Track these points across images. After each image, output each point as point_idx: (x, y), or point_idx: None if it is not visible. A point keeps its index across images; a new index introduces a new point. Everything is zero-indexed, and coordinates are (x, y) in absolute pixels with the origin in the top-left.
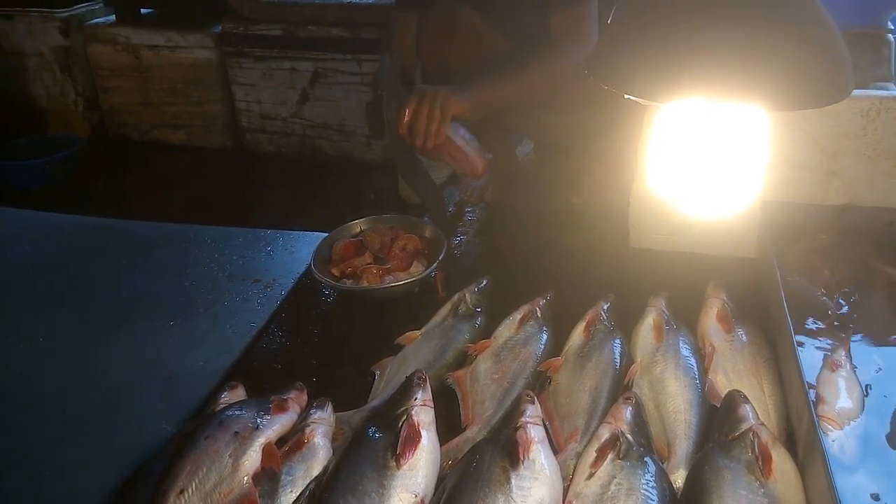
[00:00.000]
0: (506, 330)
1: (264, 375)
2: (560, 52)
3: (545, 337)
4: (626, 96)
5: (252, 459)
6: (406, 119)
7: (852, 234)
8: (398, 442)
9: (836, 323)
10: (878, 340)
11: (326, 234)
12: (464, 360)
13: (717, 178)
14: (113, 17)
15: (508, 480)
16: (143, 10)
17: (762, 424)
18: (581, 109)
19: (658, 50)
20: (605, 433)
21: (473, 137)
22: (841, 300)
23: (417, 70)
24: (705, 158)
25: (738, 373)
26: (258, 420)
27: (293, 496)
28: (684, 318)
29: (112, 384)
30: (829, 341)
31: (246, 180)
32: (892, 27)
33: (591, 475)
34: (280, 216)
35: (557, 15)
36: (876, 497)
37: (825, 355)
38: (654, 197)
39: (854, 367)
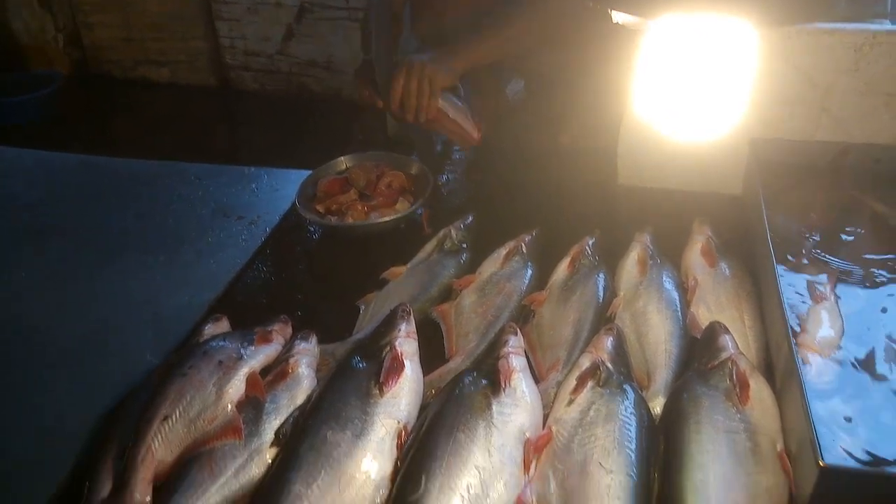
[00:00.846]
0: (491, 265)
1: (249, 310)
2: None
3: (530, 272)
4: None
5: (236, 388)
6: (395, 96)
7: (842, 170)
8: (381, 371)
9: (819, 257)
10: (861, 273)
11: (311, 172)
12: (448, 294)
13: (704, 102)
14: None
15: (489, 407)
16: None
17: (741, 354)
18: (571, 46)
19: None
20: (585, 362)
21: (465, 105)
22: (826, 235)
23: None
24: (693, 82)
25: (719, 305)
26: (242, 350)
27: (277, 423)
28: (669, 253)
29: (98, 318)
30: (812, 275)
31: (231, 119)
32: None
33: (570, 402)
34: (266, 155)
35: None
36: (848, 419)
37: (809, 286)
38: (643, 132)
39: (837, 298)
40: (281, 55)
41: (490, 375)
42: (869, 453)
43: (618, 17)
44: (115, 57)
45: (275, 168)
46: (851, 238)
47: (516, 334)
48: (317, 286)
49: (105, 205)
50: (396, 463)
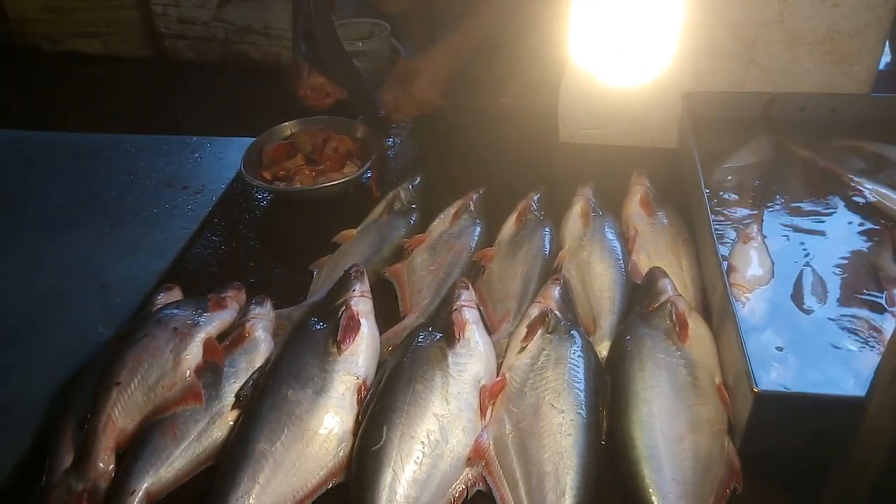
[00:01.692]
0: (440, 224)
1: (200, 278)
2: None
3: (478, 229)
4: None
5: (193, 354)
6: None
7: (770, 118)
8: (338, 329)
9: (749, 200)
10: (788, 214)
11: (255, 138)
12: (400, 254)
13: (638, 59)
14: None
15: (445, 358)
16: None
17: (680, 296)
18: (507, 7)
19: None
20: (534, 311)
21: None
22: (755, 181)
23: None
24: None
25: (658, 252)
26: (197, 317)
27: (237, 386)
28: (611, 206)
29: (46, 291)
30: (744, 217)
31: (168, 90)
32: None
33: (522, 349)
34: (207, 125)
35: None
36: (780, 349)
37: (738, 229)
38: (582, 92)
39: (764, 238)
40: (217, 22)
41: (444, 328)
42: (799, 378)
43: None
44: (43, 30)
45: (217, 136)
46: (778, 182)
47: (468, 288)
48: (268, 253)
49: (42, 180)
50: (357, 417)
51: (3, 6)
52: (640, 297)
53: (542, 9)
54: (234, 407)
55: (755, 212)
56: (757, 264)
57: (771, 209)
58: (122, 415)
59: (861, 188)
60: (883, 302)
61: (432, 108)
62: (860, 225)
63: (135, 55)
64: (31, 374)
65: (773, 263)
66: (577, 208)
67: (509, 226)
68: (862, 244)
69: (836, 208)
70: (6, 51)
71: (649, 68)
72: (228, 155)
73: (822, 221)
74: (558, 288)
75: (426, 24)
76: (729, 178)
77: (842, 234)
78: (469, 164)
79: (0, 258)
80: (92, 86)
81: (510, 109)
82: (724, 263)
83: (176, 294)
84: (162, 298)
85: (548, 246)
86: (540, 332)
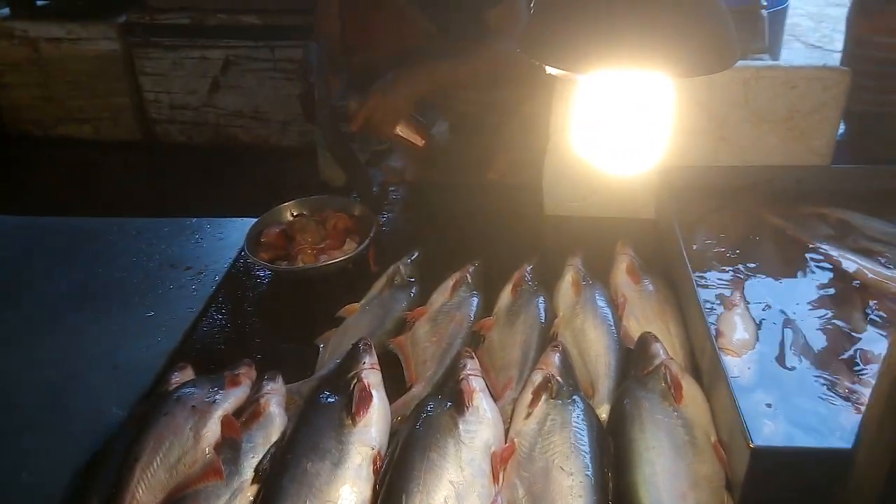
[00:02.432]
0: (440, 296)
1: (209, 356)
2: (499, 42)
3: (476, 300)
4: (550, 69)
5: (212, 431)
6: (359, 121)
7: (741, 190)
8: (352, 402)
9: (729, 268)
10: (765, 278)
11: (256, 219)
12: (403, 326)
13: (627, 143)
14: (7, 11)
15: (456, 426)
16: (38, 2)
17: (671, 359)
18: (494, 88)
19: (579, 26)
20: (538, 377)
21: (413, 118)
22: (732, 249)
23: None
24: (617, 124)
25: (647, 318)
26: (213, 394)
27: (256, 461)
28: (597, 274)
29: (59, 375)
30: (723, 284)
31: (159, 173)
32: (765, 3)
33: (528, 415)
34: (198, 208)
35: (494, 11)
36: (769, 405)
37: (721, 296)
38: (565, 167)
39: (747, 304)
40: (208, 107)
41: (453, 397)
42: (789, 433)
43: (550, 70)
44: (34, 116)
45: (217, 217)
46: (754, 249)
47: (472, 358)
48: (274, 329)
49: (46, 265)
50: (375, 487)
51: None
52: (634, 361)
53: (529, 89)
54: (253, 481)
55: (735, 278)
56: (742, 329)
57: (750, 276)
58: (145, 493)
59: (829, 253)
60: (857, 359)
61: (400, 136)
62: (830, 288)
63: (126, 139)
64: (50, 459)
65: (756, 327)
66: (568, 278)
67: (506, 296)
68: (833, 306)
69: (807, 272)
70: None
71: (632, 150)
72: (228, 235)
73: (796, 286)
74: (558, 354)
75: None
76: (707, 243)
77: (814, 296)
78: (459, 237)
79: (8, 346)
80: (84, 170)
81: (496, 184)
82: (712, 329)
83: (189, 373)
84: (177, 378)
85: (543, 315)
86: (544, 397)
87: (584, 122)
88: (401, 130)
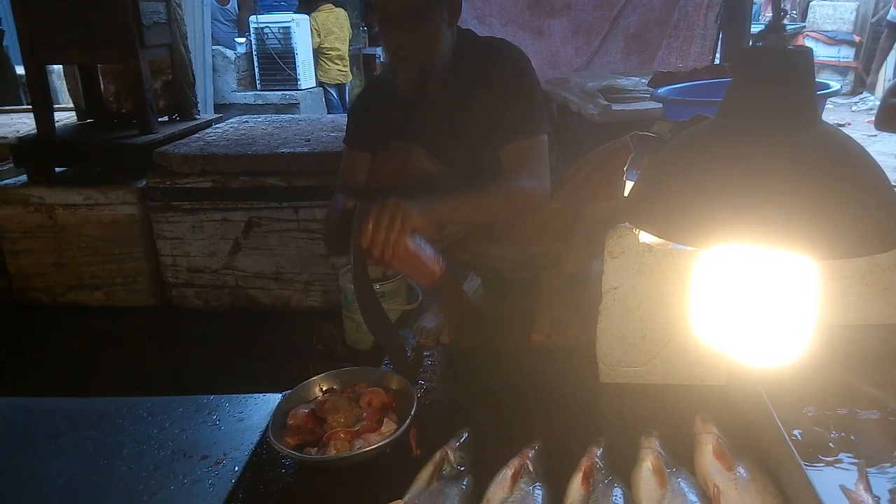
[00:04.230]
0: (498, 490)
1: None
2: (515, 179)
3: (541, 493)
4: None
5: None
6: (369, 228)
7: (826, 353)
8: None
9: (839, 452)
10: (885, 465)
11: (280, 396)
12: None
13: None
14: (24, 178)
15: None
16: (57, 169)
17: None
18: (532, 243)
19: (697, 196)
20: None
21: (429, 246)
22: (834, 427)
23: None
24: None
25: None
26: None
27: None
28: (673, 452)
29: None
30: (838, 472)
31: (175, 339)
32: None
33: None
34: (217, 376)
35: (508, 148)
36: None
37: (843, 488)
38: (622, 329)
39: (877, 499)
40: (227, 269)
41: None
42: None
43: (645, 238)
44: (44, 284)
45: (235, 394)
46: (860, 427)
47: None
48: None
49: (45, 457)
50: None
51: (3, 262)
52: None
53: (564, 246)
54: None
55: (855, 463)
56: None
57: (863, 458)
58: None
59: None
60: None
61: (405, 250)
62: None
63: (139, 305)
64: None
65: None
66: (647, 464)
67: (576, 489)
68: None
69: None
70: (2, 308)
71: (772, 336)
72: (249, 416)
73: None
74: None
75: None
76: (805, 422)
77: None
78: (510, 410)
79: None
80: (94, 340)
81: (542, 347)
82: None
83: None
84: None
85: None
86: None
87: (711, 302)
88: (413, 246)
